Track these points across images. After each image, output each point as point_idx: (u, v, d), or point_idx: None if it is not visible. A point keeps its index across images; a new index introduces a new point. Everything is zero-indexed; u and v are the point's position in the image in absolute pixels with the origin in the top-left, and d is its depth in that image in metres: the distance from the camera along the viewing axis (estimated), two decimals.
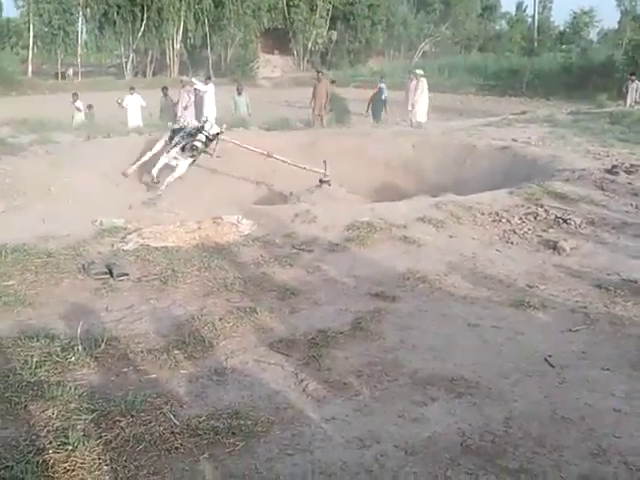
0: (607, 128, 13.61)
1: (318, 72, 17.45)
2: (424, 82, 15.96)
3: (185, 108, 15.74)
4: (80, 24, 41.70)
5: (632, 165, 9.30)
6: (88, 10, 40.56)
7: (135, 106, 16.42)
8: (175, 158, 10.99)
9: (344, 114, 16.58)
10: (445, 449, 2.95)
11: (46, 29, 40.00)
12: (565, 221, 6.94)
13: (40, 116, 14.80)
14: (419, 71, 16.60)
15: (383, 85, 18.53)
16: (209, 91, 15.77)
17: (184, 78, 20.80)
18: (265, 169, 11.80)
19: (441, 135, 13.74)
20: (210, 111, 15.15)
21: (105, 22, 40.65)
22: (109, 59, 47.42)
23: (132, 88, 17.27)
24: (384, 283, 5.19)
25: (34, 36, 39.99)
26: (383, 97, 18.17)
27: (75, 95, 17.18)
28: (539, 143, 12.07)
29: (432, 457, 2.89)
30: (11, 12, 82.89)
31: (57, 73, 38.93)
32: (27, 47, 40.24)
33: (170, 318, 4.44)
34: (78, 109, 16.93)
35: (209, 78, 17.41)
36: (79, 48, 41.52)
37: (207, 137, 11.01)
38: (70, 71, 39.33)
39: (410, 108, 15.97)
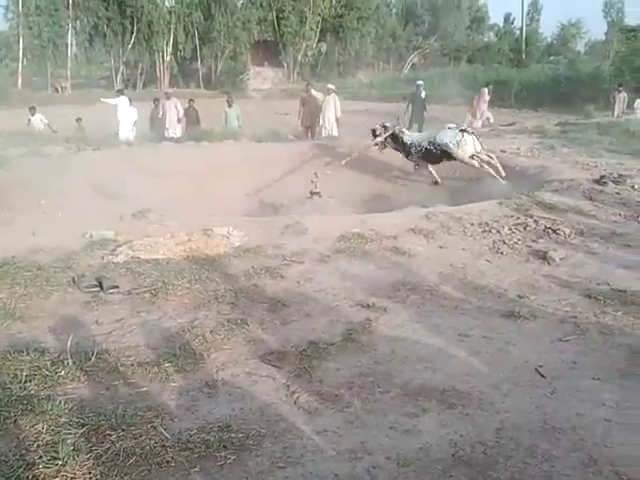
0: (595, 139, 13.67)
1: (307, 84, 17.48)
2: (334, 97, 15.86)
3: (179, 121, 16.01)
4: (70, 37, 41.70)
5: (620, 175, 9.37)
6: (78, 23, 40.55)
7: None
8: None
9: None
10: (437, 460, 2.95)
11: (36, 42, 39.91)
12: (554, 231, 6.98)
13: (30, 129, 14.76)
14: (330, 85, 16.51)
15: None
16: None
17: (168, 90, 21.10)
18: (255, 181, 11.81)
19: None
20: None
21: (95, 35, 40.63)
22: (99, 71, 47.35)
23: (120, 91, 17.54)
24: (375, 294, 5.19)
25: (24, 49, 39.89)
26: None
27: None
28: (528, 154, 12.15)
29: (424, 468, 2.89)
30: (0, 25, 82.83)
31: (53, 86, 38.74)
32: (17, 60, 40.07)
33: (161, 331, 4.42)
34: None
35: (120, 91, 17.85)
36: (69, 61, 41.48)
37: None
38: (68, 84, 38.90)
39: (321, 122, 15.99)
